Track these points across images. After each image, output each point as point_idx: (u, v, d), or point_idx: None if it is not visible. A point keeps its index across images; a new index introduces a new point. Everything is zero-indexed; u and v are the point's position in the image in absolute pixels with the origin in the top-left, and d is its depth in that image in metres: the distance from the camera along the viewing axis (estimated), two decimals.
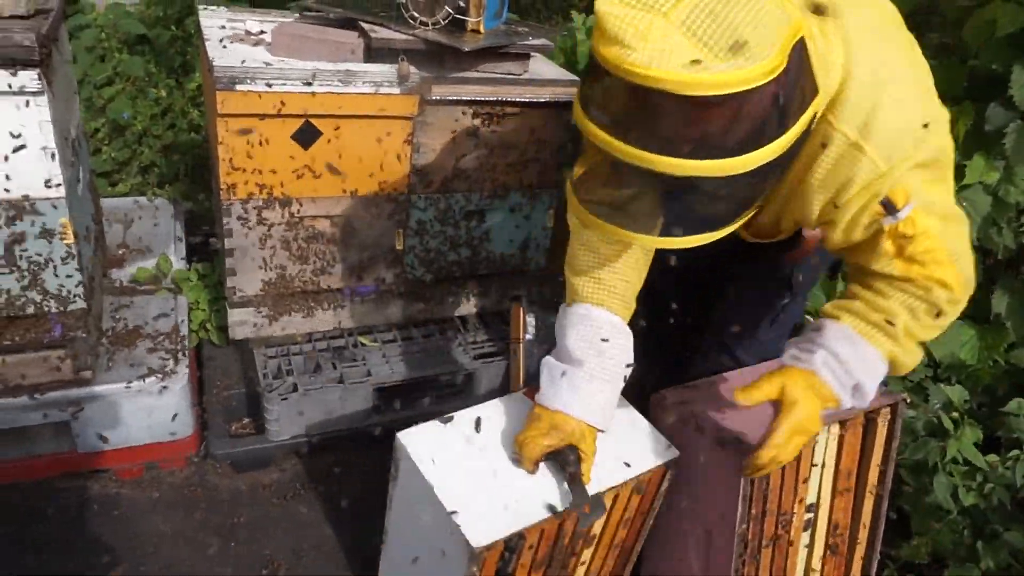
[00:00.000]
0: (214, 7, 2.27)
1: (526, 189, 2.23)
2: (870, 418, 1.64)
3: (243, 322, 2.10)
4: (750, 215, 1.22)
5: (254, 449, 2.05)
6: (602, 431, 1.44)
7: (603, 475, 1.45)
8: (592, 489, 1.40)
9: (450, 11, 1.91)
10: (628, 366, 1.46)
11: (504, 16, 2.11)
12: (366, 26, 1.95)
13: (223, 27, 2.07)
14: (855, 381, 1.31)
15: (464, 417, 1.51)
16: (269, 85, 1.79)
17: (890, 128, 1.18)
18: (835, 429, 1.59)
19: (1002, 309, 2.05)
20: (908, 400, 1.66)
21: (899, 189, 1.21)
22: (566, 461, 1.39)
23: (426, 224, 2.16)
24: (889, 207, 1.22)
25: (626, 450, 1.52)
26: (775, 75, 1.02)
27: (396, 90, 1.90)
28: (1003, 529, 1.85)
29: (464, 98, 1.99)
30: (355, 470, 2.11)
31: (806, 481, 1.58)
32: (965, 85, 1.96)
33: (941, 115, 1.27)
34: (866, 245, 1.29)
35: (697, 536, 1.58)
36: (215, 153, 1.89)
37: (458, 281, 2.31)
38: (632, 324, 1.50)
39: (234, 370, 2.25)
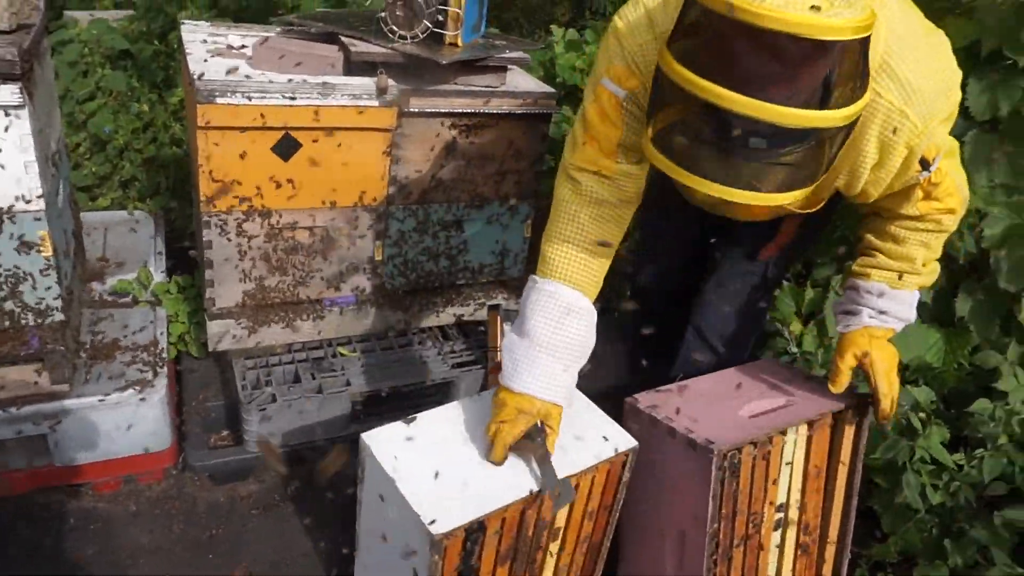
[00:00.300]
0: (196, 22, 2.29)
1: (504, 200, 2.26)
2: (838, 418, 1.68)
3: (222, 334, 2.10)
4: (820, 179, 1.23)
5: (233, 460, 2.05)
6: (565, 407, 1.49)
7: (563, 464, 1.49)
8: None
9: (428, 25, 1.94)
10: (589, 346, 1.51)
11: (482, 30, 2.15)
12: (346, 40, 1.98)
13: (205, 41, 2.09)
14: (900, 317, 1.59)
15: (427, 417, 1.55)
16: (249, 98, 1.81)
17: (927, 94, 1.29)
18: (803, 430, 1.63)
19: (965, 312, 2.09)
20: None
21: (931, 146, 1.36)
22: (533, 443, 1.43)
23: (405, 234, 2.18)
24: (924, 164, 1.37)
25: (585, 441, 1.56)
26: (871, 30, 1.07)
27: (375, 102, 1.93)
28: (969, 527, 1.89)
29: (442, 110, 2.02)
30: (334, 480, 2.11)
31: (775, 482, 1.61)
32: None
33: (957, 71, 1.39)
34: (900, 195, 1.48)
35: (672, 537, 1.61)
36: (195, 165, 1.91)
37: (437, 291, 2.34)
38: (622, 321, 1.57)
39: (213, 382, 2.25)
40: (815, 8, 1.01)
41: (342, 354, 2.27)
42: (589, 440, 1.58)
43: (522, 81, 2.23)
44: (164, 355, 2.07)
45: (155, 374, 1.98)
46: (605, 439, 1.58)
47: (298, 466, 2.11)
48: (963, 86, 1.84)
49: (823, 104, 1.07)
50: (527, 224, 2.35)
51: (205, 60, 1.92)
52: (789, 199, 1.20)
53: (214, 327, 2.09)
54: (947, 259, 1.98)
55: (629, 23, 1.39)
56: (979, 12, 1.79)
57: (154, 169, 3.06)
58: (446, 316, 2.38)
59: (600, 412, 1.65)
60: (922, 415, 1.95)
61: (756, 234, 1.85)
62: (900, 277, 1.57)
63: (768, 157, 1.15)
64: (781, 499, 1.64)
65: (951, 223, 1.54)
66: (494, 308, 2.23)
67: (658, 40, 1.33)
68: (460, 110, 2.04)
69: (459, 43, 1.99)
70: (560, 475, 1.46)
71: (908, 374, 2.16)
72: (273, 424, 2.05)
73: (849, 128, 1.16)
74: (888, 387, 1.60)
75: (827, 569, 1.78)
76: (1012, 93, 1.83)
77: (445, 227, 2.22)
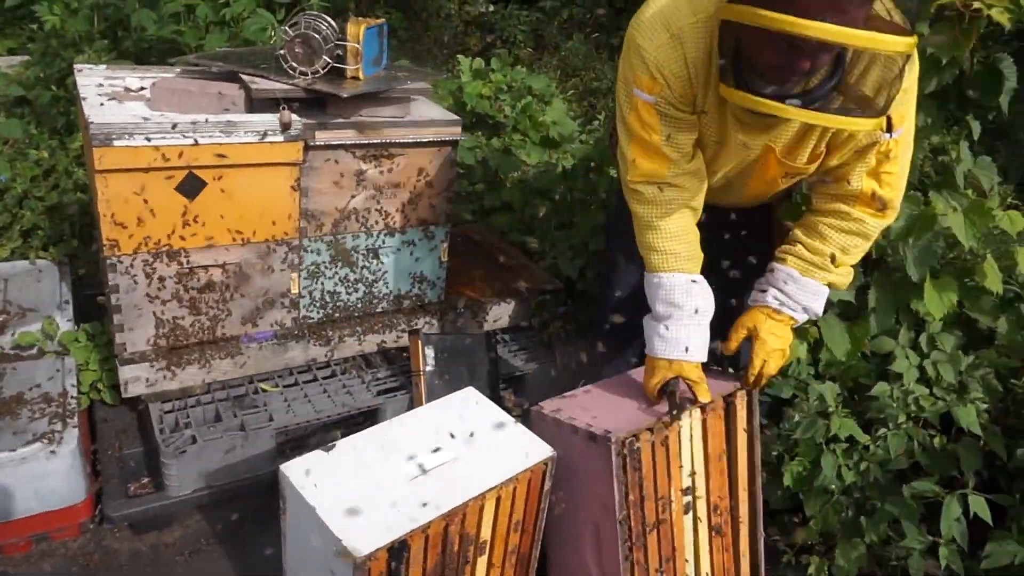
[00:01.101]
0: (92, 65, 2.26)
1: (418, 226, 2.31)
2: (728, 401, 1.80)
3: (136, 379, 2.06)
4: (883, 121, 1.40)
5: (154, 508, 1.99)
6: (702, 361, 1.72)
7: (483, 477, 1.53)
8: (474, 491, 1.51)
9: (328, 60, 1.98)
10: (704, 308, 1.72)
11: (384, 62, 2.21)
12: (247, 78, 2.00)
13: (101, 85, 2.07)
14: (802, 305, 1.73)
15: (347, 443, 1.57)
16: (148, 139, 1.80)
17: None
18: (697, 414, 1.73)
19: (874, 303, 2.24)
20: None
21: (896, 113, 1.47)
22: (668, 388, 1.70)
23: (320, 266, 2.19)
24: (889, 126, 1.45)
25: (503, 453, 1.62)
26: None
27: (280, 138, 1.95)
28: (881, 503, 2.02)
29: (348, 142, 2.06)
30: (261, 518, 2.08)
31: (680, 466, 1.70)
32: None
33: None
34: (858, 156, 1.60)
35: (589, 532, 1.67)
36: (97, 210, 1.88)
37: (357, 320, 2.35)
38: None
39: (130, 429, 2.19)
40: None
41: (264, 390, 2.26)
42: (507, 452, 1.62)
43: (427, 110, 2.29)
44: (74, 405, 2.01)
45: (64, 425, 1.92)
46: (523, 450, 1.63)
47: (224, 507, 2.07)
48: None
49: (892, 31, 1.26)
50: (443, 248, 2.40)
51: (101, 104, 1.90)
52: (871, 125, 1.38)
53: (126, 372, 2.04)
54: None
55: (644, 31, 1.55)
56: None
57: (57, 216, 2.96)
58: (368, 344, 2.39)
59: (517, 424, 1.70)
60: (830, 408, 2.08)
61: (721, 241, 1.98)
62: (811, 267, 1.71)
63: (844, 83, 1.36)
64: (687, 483, 1.73)
65: (874, 226, 1.66)
66: (414, 333, 2.26)
67: (674, 37, 1.51)
68: (366, 141, 2.09)
69: (360, 76, 2.04)
70: (482, 488, 1.52)
71: (822, 368, 2.29)
72: (195, 466, 2.01)
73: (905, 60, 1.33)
74: (758, 365, 1.74)
75: (744, 548, 1.87)
76: None
77: (360, 256, 2.25)
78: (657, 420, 1.67)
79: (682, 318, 1.70)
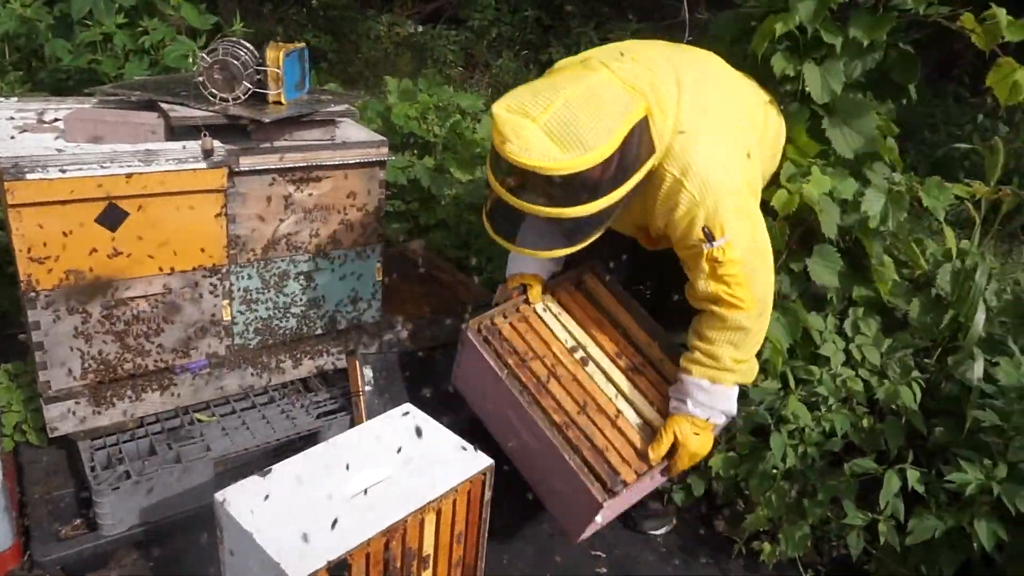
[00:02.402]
0: (3, 98, 2.21)
1: (351, 247, 2.32)
2: (580, 280, 2.12)
3: (63, 416, 2.00)
4: (601, 232, 1.73)
5: (87, 548, 1.94)
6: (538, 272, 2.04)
7: (422, 491, 1.55)
8: (413, 506, 1.54)
9: (249, 86, 1.99)
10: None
11: (307, 86, 2.22)
12: (166, 106, 1.98)
13: (12, 118, 2.02)
14: (720, 409, 1.85)
15: (283, 467, 1.58)
16: (63, 171, 1.77)
17: (702, 170, 1.68)
18: (549, 297, 2.06)
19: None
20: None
21: (717, 223, 1.69)
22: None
23: (252, 292, 2.18)
24: (708, 235, 1.70)
25: (440, 465, 1.64)
26: (605, 159, 1.56)
27: (202, 164, 1.94)
28: (819, 484, 2.11)
29: (273, 167, 2.06)
30: (201, 551, 2.04)
31: (556, 335, 1.98)
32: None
33: (749, 165, 1.78)
34: (692, 262, 1.77)
35: (514, 430, 1.87)
36: (13, 245, 1.83)
37: (293, 344, 2.34)
38: None
39: (60, 469, 2.12)
40: (549, 154, 1.53)
41: (200, 420, 2.22)
42: (445, 465, 1.64)
43: (353, 132, 2.31)
44: None
45: None
46: (461, 461, 1.66)
47: (162, 542, 2.02)
48: (798, 75, 2.11)
49: (568, 203, 1.59)
50: (378, 267, 2.41)
51: (12, 137, 1.86)
52: (573, 250, 1.73)
53: (52, 411, 1.98)
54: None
55: None
56: (791, 3, 2.03)
57: None
58: (306, 368, 2.38)
59: (452, 435, 1.73)
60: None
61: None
62: (715, 371, 1.82)
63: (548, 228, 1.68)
64: (571, 343, 1.98)
65: (740, 320, 1.77)
66: (351, 354, 2.27)
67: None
68: (292, 165, 2.09)
69: (283, 101, 2.04)
70: (421, 503, 1.54)
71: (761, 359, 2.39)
72: (130, 503, 1.96)
73: (621, 202, 1.65)
74: (678, 468, 1.89)
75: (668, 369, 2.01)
76: (837, 74, 2.11)
77: (293, 280, 2.24)
78: (503, 307, 1.98)
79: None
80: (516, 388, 1.84)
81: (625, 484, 1.76)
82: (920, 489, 1.95)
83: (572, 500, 1.79)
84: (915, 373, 2.12)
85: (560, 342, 1.96)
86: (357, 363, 2.21)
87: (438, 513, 1.59)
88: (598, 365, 1.95)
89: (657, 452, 1.83)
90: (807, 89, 2.10)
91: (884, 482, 1.98)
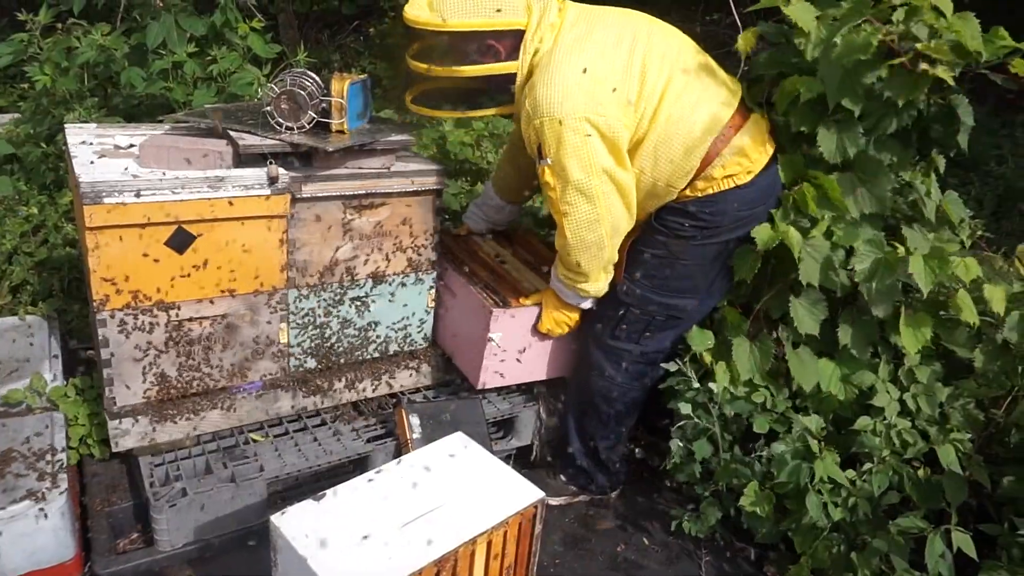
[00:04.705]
0: (82, 124, 2.31)
1: (404, 274, 2.35)
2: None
3: (125, 432, 2.06)
4: (496, 113, 2.23)
5: (143, 563, 1.98)
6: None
7: (473, 522, 1.55)
8: (465, 536, 1.54)
9: (313, 115, 2.04)
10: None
11: (368, 115, 2.27)
12: (234, 134, 2.05)
13: (91, 144, 2.11)
14: (567, 301, 2.26)
15: (337, 492, 1.59)
16: (138, 195, 1.84)
17: (538, 96, 1.94)
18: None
19: (848, 340, 2.29)
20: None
21: (546, 144, 1.95)
22: None
23: (308, 316, 2.22)
24: (540, 152, 1.99)
25: (492, 497, 1.63)
26: (461, 32, 1.97)
27: (267, 191, 2.00)
28: (871, 539, 2.03)
29: (334, 194, 2.11)
30: (252, 571, 2.07)
31: (482, 247, 2.62)
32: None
33: (612, 100, 1.95)
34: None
35: (449, 313, 2.44)
36: (87, 266, 1.91)
37: (345, 368, 2.37)
38: None
39: (120, 484, 2.18)
40: (431, 14, 1.97)
41: (254, 440, 2.26)
42: (497, 496, 1.64)
43: (412, 161, 2.35)
44: (63, 461, 2.00)
45: (53, 482, 1.91)
46: (512, 493, 1.65)
47: (215, 561, 2.06)
48: (813, 135, 2.11)
49: (435, 63, 2.05)
50: (430, 294, 2.44)
51: (91, 162, 1.95)
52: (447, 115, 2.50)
53: (116, 426, 2.05)
54: (826, 292, 2.19)
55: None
56: (821, 69, 2.03)
57: (47, 272, 2.99)
58: (357, 391, 2.41)
59: (504, 466, 1.72)
60: (815, 441, 2.11)
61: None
62: (562, 274, 2.21)
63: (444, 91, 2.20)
64: (494, 252, 2.63)
65: (561, 241, 2.09)
66: (397, 403, 2.30)
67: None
68: (351, 192, 2.14)
69: (345, 130, 2.10)
70: (473, 533, 1.53)
71: (799, 402, 2.33)
72: (186, 520, 2.00)
73: (494, 81, 2.07)
74: (543, 322, 2.31)
75: None
76: (855, 138, 2.09)
77: (348, 304, 2.28)
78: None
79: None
80: (452, 267, 2.45)
81: (510, 305, 2.29)
82: (970, 552, 1.85)
83: (475, 326, 2.30)
84: (979, 418, 2.03)
85: (486, 251, 2.60)
86: (404, 412, 2.23)
87: (489, 544, 1.58)
88: (511, 264, 2.55)
89: (530, 299, 2.31)
90: (820, 149, 2.09)
91: (928, 544, 1.90)
